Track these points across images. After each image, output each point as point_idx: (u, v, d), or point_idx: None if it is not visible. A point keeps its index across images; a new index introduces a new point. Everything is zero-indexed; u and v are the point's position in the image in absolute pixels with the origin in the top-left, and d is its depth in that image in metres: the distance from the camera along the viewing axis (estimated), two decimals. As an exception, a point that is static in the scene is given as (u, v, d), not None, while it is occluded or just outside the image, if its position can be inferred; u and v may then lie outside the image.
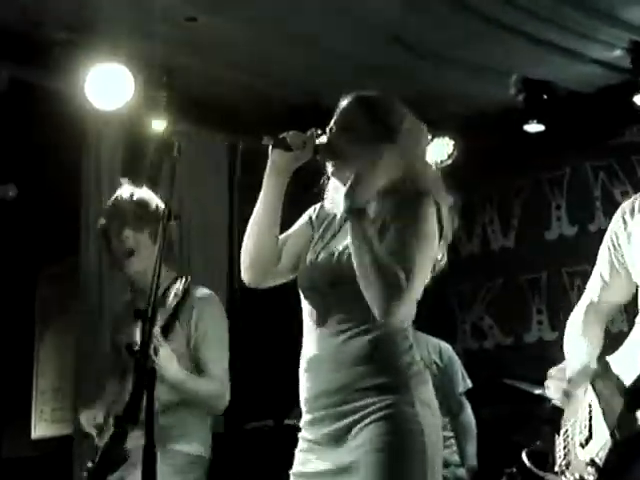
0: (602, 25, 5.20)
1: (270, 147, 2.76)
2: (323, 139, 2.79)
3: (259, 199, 2.80)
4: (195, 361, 3.56)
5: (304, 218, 2.92)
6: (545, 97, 5.89)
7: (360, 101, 2.81)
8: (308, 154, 2.77)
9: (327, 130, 2.81)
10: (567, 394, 2.73)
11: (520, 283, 6.65)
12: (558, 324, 6.10)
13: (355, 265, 2.56)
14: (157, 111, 4.99)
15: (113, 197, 3.72)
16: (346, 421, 2.58)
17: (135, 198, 3.69)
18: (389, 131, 2.75)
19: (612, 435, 2.54)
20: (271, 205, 2.79)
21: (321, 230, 2.85)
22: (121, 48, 5.08)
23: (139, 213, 3.65)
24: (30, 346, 6.95)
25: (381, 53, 5.31)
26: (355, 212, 2.56)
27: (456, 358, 5.21)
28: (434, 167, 2.83)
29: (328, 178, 2.85)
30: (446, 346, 5.21)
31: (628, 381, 2.54)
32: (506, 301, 6.64)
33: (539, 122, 6.04)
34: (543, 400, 4.63)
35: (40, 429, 6.84)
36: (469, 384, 5.17)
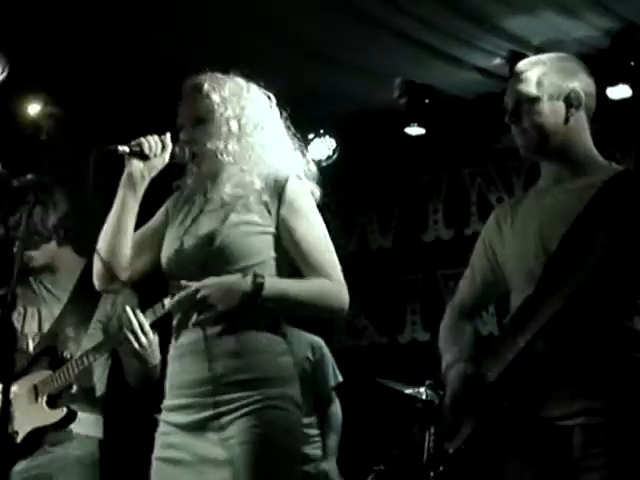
0: (483, 33, 5.31)
1: (125, 156, 2.70)
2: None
3: (113, 209, 2.74)
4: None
5: (161, 211, 2.89)
6: (427, 101, 5.98)
7: (202, 86, 2.75)
8: (165, 160, 2.73)
9: (178, 126, 2.76)
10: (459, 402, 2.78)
11: (396, 284, 6.73)
12: (431, 325, 6.20)
13: (291, 314, 2.69)
14: (31, 93, 4.85)
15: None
16: (213, 412, 2.58)
17: None
18: (243, 110, 2.74)
19: (473, 430, 2.61)
20: (126, 218, 2.74)
21: (181, 216, 2.81)
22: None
23: None
24: None
25: (268, 51, 5.29)
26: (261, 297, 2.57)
27: (328, 353, 5.24)
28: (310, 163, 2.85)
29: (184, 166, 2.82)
30: (318, 341, 5.25)
31: (491, 379, 2.60)
32: (382, 301, 6.70)
33: (420, 125, 6.14)
34: (414, 400, 4.74)
35: None
36: (340, 378, 5.22)
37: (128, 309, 3.16)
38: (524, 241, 2.69)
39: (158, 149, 2.70)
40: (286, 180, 2.68)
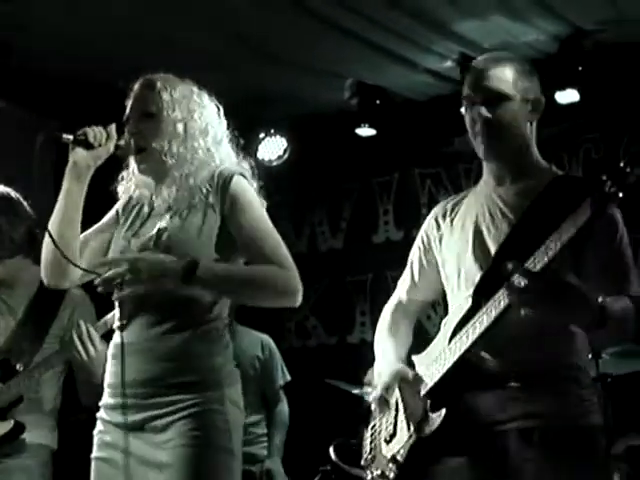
0: (435, 36, 5.34)
1: (70, 145, 2.68)
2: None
3: (59, 200, 2.70)
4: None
5: (111, 212, 2.88)
6: (378, 102, 5.99)
7: (154, 84, 2.75)
8: (109, 150, 2.70)
9: (124, 119, 2.75)
10: (382, 399, 2.78)
11: (346, 284, 6.74)
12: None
13: (234, 299, 2.64)
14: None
15: None
16: (153, 413, 2.57)
17: None
18: (192, 113, 2.74)
19: (412, 434, 2.61)
20: (73, 208, 2.70)
21: (130, 219, 2.80)
22: None
23: None
24: None
25: (221, 50, 5.28)
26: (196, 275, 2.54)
27: (276, 351, 5.26)
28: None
29: (127, 166, 2.82)
30: (267, 339, 5.26)
31: (428, 383, 2.61)
32: (331, 302, 6.72)
33: (371, 126, 6.15)
34: (361, 400, 4.74)
35: None
36: (288, 377, 5.24)
37: (82, 322, 3.21)
38: (462, 242, 2.69)
39: (103, 138, 2.68)
40: (230, 177, 2.68)
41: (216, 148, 2.77)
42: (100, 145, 2.67)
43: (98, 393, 3.41)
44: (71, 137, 2.66)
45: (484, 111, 2.61)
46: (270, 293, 2.63)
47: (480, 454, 2.53)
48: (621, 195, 2.21)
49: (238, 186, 2.68)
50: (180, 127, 2.71)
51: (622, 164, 2.20)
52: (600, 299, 2.34)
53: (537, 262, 2.34)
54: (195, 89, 2.80)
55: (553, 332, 2.54)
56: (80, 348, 3.27)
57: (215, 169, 2.72)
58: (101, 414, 2.69)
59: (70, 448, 4.10)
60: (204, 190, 2.68)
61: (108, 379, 2.70)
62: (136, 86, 2.77)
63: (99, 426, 2.69)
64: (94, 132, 2.67)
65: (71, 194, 2.70)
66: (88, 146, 2.66)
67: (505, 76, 2.64)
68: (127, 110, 2.77)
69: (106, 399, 2.70)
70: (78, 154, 2.67)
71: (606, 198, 2.23)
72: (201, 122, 2.75)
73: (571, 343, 2.57)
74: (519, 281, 2.29)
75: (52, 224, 2.71)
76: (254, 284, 2.61)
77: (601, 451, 2.54)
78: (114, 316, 3.23)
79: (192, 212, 2.67)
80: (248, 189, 2.71)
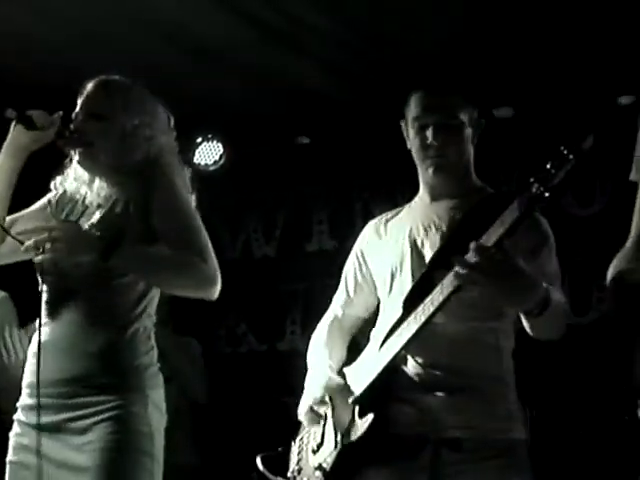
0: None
1: (13, 121, 2.66)
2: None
3: None
4: None
5: (42, 201, 2.85)
6: (315, 110, 6.01)
7: (108, 86, 2.75)
8: (50, 136, 2.68)
9: (73, 116, 2.74)
10: (311, 412, 2.79)
11: (278, 292, 6.73)
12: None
13: (151, 282, 2.60)
14: None
15: None
16: (73, 414, 2.54)
17: None
18: (141, 118, 2.72)
19: (339, 442, 2.62)
20: (3, 185, 2.69)
21: (63, 214, 2.79)
22: None
23: None
24: None
25: (158, 52, 5.25)
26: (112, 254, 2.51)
27: (200, 357, 5.25)
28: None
29: (70, 160, 2.79)
30: (193, 343, 5.26)
31: (357, 392, 2.62)
32: (263, 309, 6.70)
33: (307, 135, 6.17)
34: (290, 408, 4.75)
35: None
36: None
37: (7, 327, 3.18)
38: (396, 255, 2.72)
39: (46, 123, 2.67)
40: (157, 158, 2.68)
41: (160, 155, 2.75)
42: (43, 128, 2.66)
43: (17, 398, 3.38)
44: (15, 113, 2.66)
45: (443, 134, 2.67)
46: (188, 281, 2.61)
47: (408, 463, 2.55)
48: (547, 195, 2.26)
49: (167, 167, 2.68)
50: (127, 129, 2.70)
51: (548, 166, 2.27)
52: (544, 284, 2.39)
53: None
54: (149, 97, 2.79)
55: (483, 345, 2.58)
56: (3, 352, 3.23)
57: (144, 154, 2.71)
58: (18, 415, 2.65)
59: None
60: (132, 183, 2.67)
61: (28, 378, 2.65)
62: (89, 85, 2.77)
63: (16, 428, 2.64)
64: (39, 115, 2.66)
65: (3, 170, 2.68)
66: (30, 126, 2.66)
67: (459, 100, 2.71)
68: (77, 107, 2.75)
69: (24, 400, 2.65)
70: (19, 132, 2.67)
71: (533, 198, 2.29)
72: (149, 128, 2.74)
73: (500, 358, 2.61)
74: (470, 257, 2.31)
75: None
76: (173, 269, 2.59)
77: (525, 466, 2.58)
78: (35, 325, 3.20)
79: (118, 206, 2.67)
80: (176, 170, 2.71)
